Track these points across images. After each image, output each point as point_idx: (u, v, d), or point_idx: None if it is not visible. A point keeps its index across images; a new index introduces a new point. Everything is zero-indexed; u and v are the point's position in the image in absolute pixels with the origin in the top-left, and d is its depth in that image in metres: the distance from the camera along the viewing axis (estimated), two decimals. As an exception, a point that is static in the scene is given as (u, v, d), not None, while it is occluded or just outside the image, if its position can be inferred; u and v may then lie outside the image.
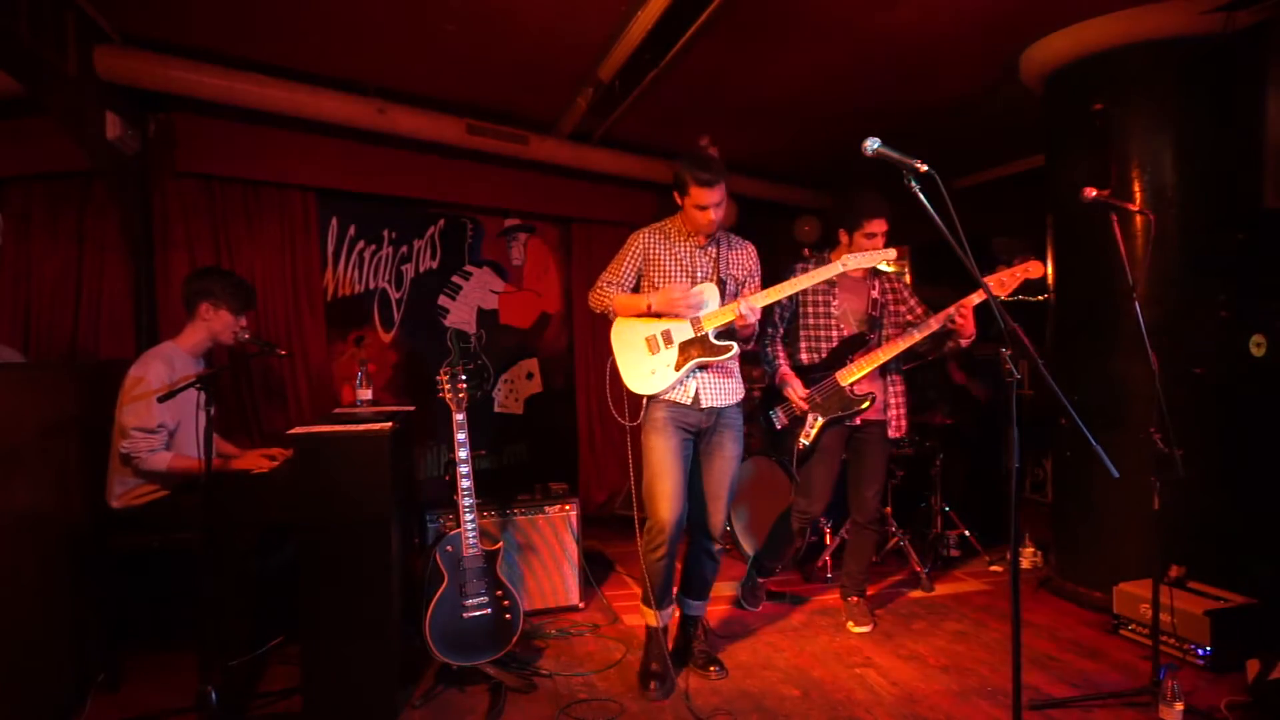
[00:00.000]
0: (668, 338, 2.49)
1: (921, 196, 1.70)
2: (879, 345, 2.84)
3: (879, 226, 2.77)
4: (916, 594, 3.43)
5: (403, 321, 4.42)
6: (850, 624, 3.01)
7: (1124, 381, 3.07)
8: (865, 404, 2.81)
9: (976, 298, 2.65)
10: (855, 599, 3.09)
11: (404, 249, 4.42)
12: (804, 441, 2.85)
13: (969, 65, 3.52)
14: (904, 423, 2.97)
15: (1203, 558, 2.85)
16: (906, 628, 3.03)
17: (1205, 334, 3.01)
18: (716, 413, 2.54)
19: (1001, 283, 2.63)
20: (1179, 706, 2.13)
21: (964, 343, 2.76)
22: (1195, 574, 2.81)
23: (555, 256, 5.05)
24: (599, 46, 3.28)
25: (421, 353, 4.45)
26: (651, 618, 2.57)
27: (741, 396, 2.61)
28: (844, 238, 2.88)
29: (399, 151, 4.08)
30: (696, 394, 2.49)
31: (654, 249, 2.56)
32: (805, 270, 2.64)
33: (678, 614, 2.74)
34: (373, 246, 4.31)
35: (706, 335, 2.47)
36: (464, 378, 2.51)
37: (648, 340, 2.50)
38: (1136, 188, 3.07)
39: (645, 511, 2.49)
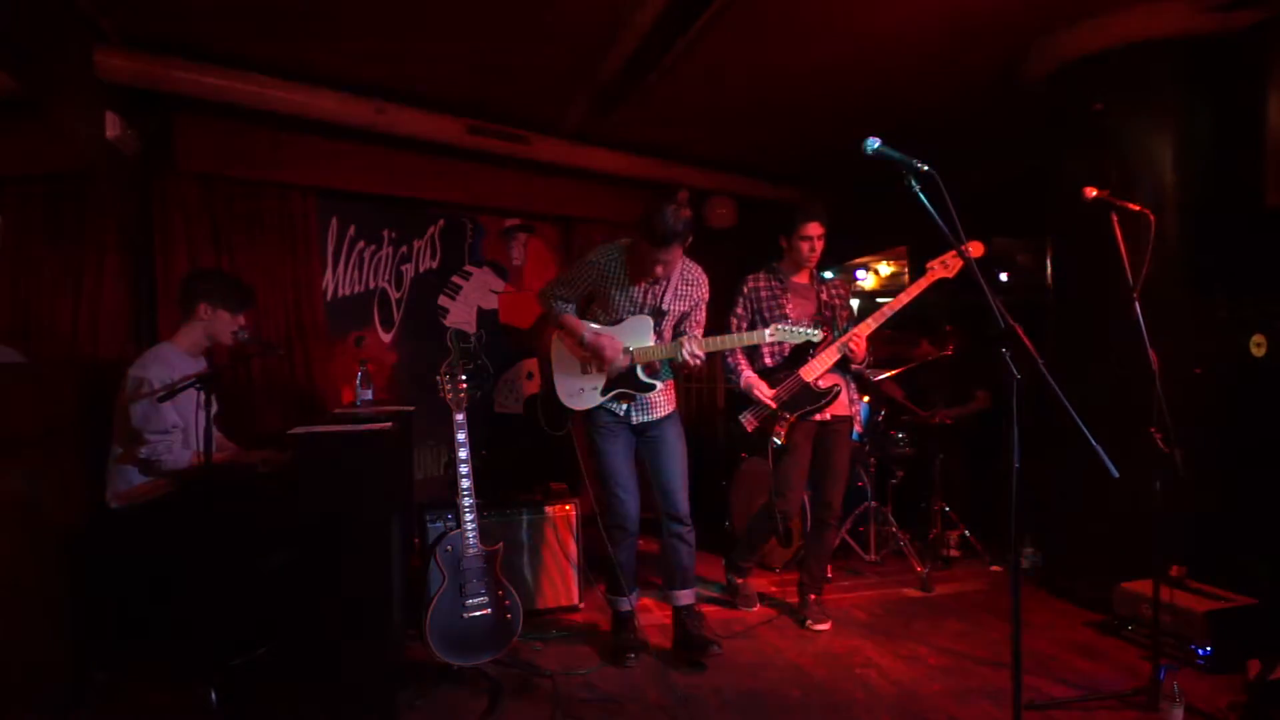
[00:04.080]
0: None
1: (922, 196, 1.70)
2: (834, 342, 2.97)
3: (814, 230, 3.00)
4: (916, 594, 3.44)
5: (403, 321, 4.42)
6: (809, 622, 3.06)
7: (1124, 381, 3.06)
8: (833, 395, 2.94)
9: (866, 327, 2.88)
10: (814, 596, 3.14)
11: (404, 249, 4.42)
12: (777, 441, 2.95)
13: (969, 65, 3.52)
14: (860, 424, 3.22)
15: (1203, 558, 2.85)
16: (906, 628, 3.03)
17: (1205, 334, 3.01)
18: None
19: (945, 264, 2.81)
20: (1179, 706, 2.13)
21: (854, 366, 3.03)
22: (1195, 574, 2.81)
23: (555, 256, 5.05)
24: (599, 46, 3.28)
25: (421, 353, 4.43)
26: (623, 604, 2.79)
27: (672, 409, 2.80)
28: (784, 243, 3.10)
29: (399, 151, 4.07)
30: (628, 412, 2.71)
31: (603, 280, 2.66)
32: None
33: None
34: (373, 246, 4.31)
35: (634, 370, 2.62)
36: (464, 378, 2.52)
37: (582, 360, 2.72)
38: (1136, 188, 3.07)
39: (601, 510, 2.71)
